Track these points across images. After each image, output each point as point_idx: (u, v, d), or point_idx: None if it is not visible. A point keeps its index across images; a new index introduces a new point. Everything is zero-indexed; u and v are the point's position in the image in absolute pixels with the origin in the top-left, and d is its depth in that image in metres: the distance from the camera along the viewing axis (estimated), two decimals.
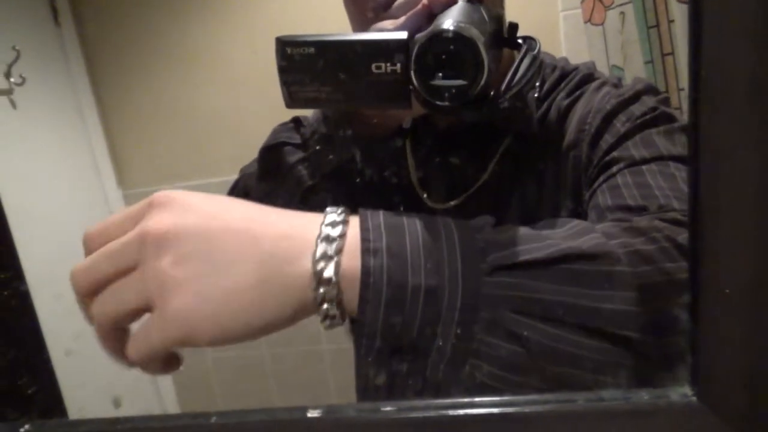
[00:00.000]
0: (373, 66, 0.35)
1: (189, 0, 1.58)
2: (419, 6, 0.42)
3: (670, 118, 0.48)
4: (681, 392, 0.25)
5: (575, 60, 0.60)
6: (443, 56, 0.34)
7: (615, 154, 0.47)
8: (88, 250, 0.31)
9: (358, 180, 0.54)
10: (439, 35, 0.34)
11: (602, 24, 1.13)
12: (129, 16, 1.61)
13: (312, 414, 0.27)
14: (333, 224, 0.30)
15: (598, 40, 1.15)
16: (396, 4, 0.46)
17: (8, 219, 0.36)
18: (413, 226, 0.31)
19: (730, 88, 0.21)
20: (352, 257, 0.29)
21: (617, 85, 0.54)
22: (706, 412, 0.24)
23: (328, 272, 0.29)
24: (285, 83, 0.37)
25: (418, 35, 0.34)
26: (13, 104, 1.38)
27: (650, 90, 0.52)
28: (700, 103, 0.22)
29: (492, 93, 0.37)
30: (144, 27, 1.61)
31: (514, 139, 0.55)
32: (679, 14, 0.98)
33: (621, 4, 1.08)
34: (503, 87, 0.39)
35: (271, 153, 0.59)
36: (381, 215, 0.32)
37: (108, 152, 1.69)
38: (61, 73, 1.58)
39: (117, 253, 0.30)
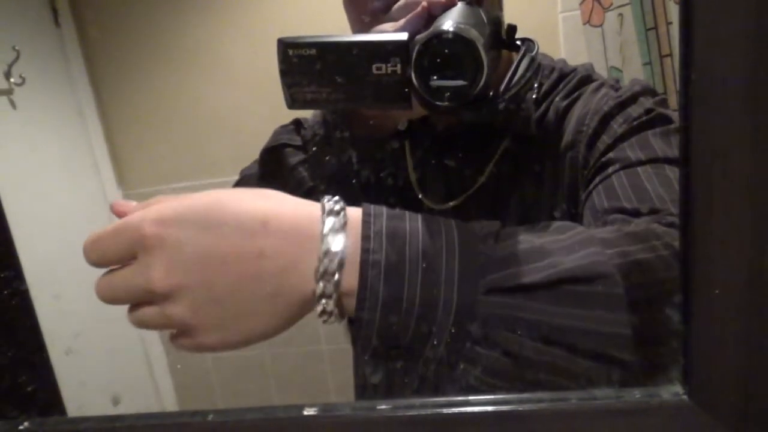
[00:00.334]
0: (374, 67, 0.35)
1: (189, 0, 1.58)
2: (419, 8, 0.42)
3: (666, 120, 0.48)
4: (672, 391, 0.25)
5: (574, 61, 0.60)
6: (443, 57, 0.34)
7: (611, 155, 0.47)
8: (87, 260, 0.33)
9: (357, 181, 0.54)
10: (439, 36, 0.34)
11: (601, 25, 1.14)
12: (129, 17, 1.60)
13: (308, 412, 0.27)
14: (333, 231, 0.31)
15: (596, 42, 1.15)
16: (396, 6, 0.46)
17: (8, 219, 0.36)
18: (415, 231, 0.32)
19: (721, 91, 0.21)
20: (352, 270, 0.31)
21: (615, 86, 0.54)
22: (698, 411, 0.24)
23: (329, 289, 0.30)
24: (286, 84, 0.37)
25: (418, 36, 0.35)
26: (13, 104, 1.38)
27: (648, 92, 0.52)
28: (690, 106, 0.22)
29: (491, 94, 0.37)
30: (144, 27, 1.61)
31: (512, 140, 0.55)
32: (678, 16, 0.98)
33: (620, 6, 1.08)
34: (502, 88, 0.40)
35: (272, 154, 0.59)
36: (383, 218, 0.32)
37: (108, 152, 1.69)
38: (61, 73, 1.58)
39: (126, 293, 0.32)
